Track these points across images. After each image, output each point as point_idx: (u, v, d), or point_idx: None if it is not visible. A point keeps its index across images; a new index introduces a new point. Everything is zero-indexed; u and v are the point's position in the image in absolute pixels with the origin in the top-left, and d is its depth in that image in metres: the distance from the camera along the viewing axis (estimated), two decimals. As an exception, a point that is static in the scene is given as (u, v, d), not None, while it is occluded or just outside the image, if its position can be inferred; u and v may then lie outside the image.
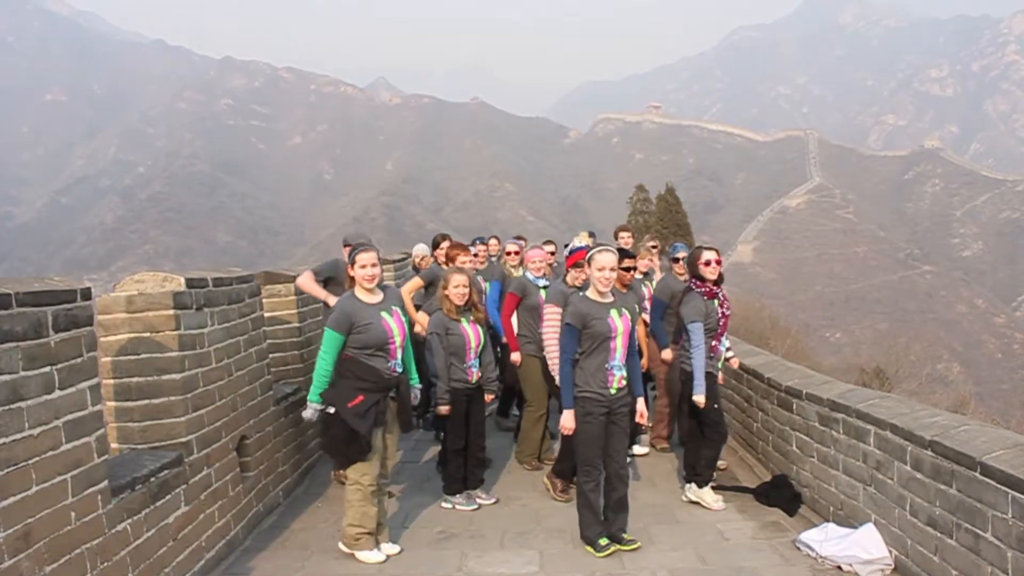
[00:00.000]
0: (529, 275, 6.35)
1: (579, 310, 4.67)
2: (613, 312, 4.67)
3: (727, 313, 5.63)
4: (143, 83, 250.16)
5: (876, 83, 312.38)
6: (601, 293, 4.69)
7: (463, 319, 5.48)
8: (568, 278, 5.86)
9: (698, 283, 5.49)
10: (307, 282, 5.96)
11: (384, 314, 4.54)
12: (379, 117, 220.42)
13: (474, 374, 5.50)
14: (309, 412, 4.63)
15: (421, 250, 9.10)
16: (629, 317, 4.74)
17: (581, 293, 4.86)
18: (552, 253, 7.60)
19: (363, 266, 4.50)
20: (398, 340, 4.57)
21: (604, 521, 4.80)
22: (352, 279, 4.61)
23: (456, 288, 5.45)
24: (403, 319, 4.67)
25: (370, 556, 4.62)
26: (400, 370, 4.65)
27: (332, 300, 5.35)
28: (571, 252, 5.97)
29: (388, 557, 4.66)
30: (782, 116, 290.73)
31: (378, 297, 4.59)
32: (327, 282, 5.95)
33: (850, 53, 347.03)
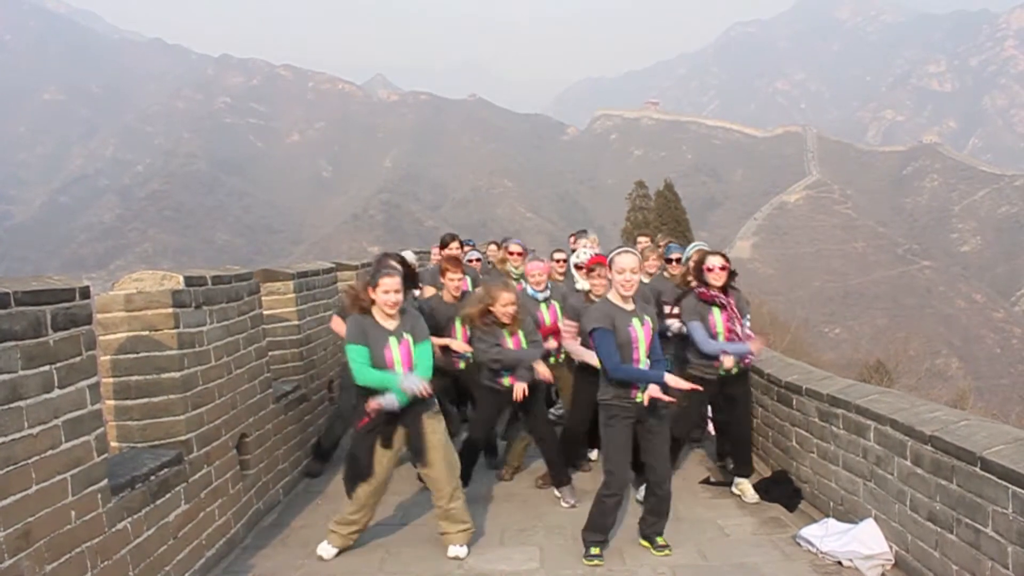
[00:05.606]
0: (529, 289, 5.99)
1: (605, 311, 4.41)
2: (635, 321, 4.41)
3: (736, 327, 5.36)
4: (141, 82, 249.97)
5: (874, 79, 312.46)
6: (623, 298, 4.42)
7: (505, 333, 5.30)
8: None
9: (699, 285, 5.41)
10: (337, 326, 5.85)
11: (392, 340, 4.42)
12: (377, 114, 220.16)
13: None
14: (413, 382, 4.33)
15: (410, 258, 8.81)
16: (650, 326, 4.48)
17: (606, 296, 4.61)
18: (565, 260, 7.27)
19: (386, 291, 4.37)
20: (399, 370, 4.40)
21: (608, 531, 4.61)
22: (357, 298, 4.48)
23: (505, 307, 5.19)
24: (411, 348, 4.47)
25: (321, 547, 4.64)
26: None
27: None
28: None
29: (326, 559, 4.60)
30: (780, 112, 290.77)
31: (393, 323, 4.45)
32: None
33: (848, 49, 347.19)
